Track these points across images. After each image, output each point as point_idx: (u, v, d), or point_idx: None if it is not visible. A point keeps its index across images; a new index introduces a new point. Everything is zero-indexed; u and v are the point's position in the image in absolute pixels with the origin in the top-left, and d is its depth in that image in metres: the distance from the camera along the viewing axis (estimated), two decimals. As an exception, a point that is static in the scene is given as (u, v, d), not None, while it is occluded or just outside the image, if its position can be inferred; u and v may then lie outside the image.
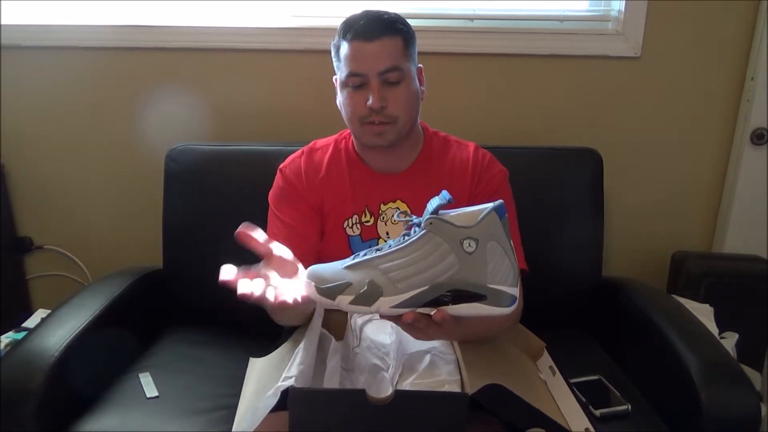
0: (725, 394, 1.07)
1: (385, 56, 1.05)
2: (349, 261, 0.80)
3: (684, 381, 1.10)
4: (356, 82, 1.07)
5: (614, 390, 1.21)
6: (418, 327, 0.80)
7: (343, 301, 0.77)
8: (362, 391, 0.82)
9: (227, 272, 0.77)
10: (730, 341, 1.42)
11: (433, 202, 0.79)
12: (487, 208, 0.77)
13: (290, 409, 0.81)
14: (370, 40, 1.04)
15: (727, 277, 1.54)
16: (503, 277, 0.77)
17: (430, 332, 0.82)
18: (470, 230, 0.76)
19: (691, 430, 1.08)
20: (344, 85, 1.09)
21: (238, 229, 0.82)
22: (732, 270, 1.57)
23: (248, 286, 0.76)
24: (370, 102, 1.05)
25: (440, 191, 0.80)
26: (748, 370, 1.31)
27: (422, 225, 0.78)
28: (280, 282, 0.84)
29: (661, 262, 1.71)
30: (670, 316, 1.27)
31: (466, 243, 0.76)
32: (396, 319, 0.79)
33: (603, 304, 1.49)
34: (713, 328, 1.39)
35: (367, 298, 0.76)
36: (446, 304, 0.77)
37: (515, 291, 0.78)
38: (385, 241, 1.08)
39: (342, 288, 0.77)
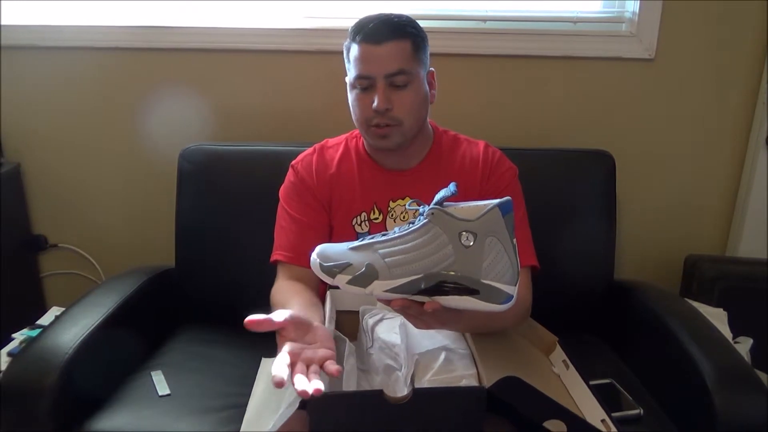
0: (739, 399, 1.06)
1: (392, 60, 1.06)
2: (355, 243, 0.82)
3: (697, 385, 1.09)
4: (364, 84, 1.08)
5: (626, 394, 1.20)
6: (410, 314, 0.82)
7: (341, 280, 0.79)
8: (380, 392, 0.83)
9: (280, 371, 0.75)
10: (744, 346, 1.41)
11: (440, 193, 0.80)
12: (491, 203, 0.78)
13: (310, 415, 0.82)
14: (378, 44, 1.06)
15: (741, 281, 1.53)
16: (499, 273, 0.78)
17: (426, 320, 0.84)
18: (470, 224, 0.78)
19: (704, 435, 1.07)
20: (352, 86, 1.11)
21: (245, 321, 0.80)
22: (746, 274, 1.55)
23: (306, 385, 0.74)
24: (374, 105, 1.06)
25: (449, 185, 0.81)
26: (763, 375, 1.29)
27: (425, 215, 0.79)
28: (313, 354, 0.82)
29: (674, 265, 1.69)
30: (684, 320, 1.27)
31: (464, 236, 0.77)
32: (389, 303, 0.81)
33: (615, 307, 1.48)
34: (727, 333, 1.38)
35: (363, 279, 0.78)
36: (439, 294, 0.78)
37: (511, 289, 0.79)
38: None
39: (342, 267, 0.80)
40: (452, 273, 0.77)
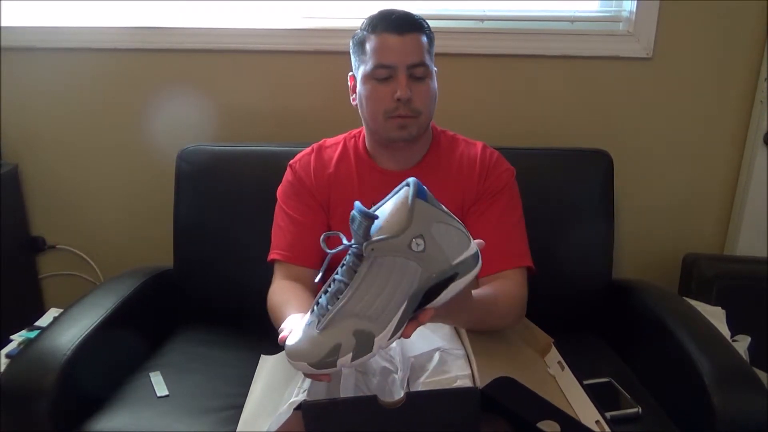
0: (738, 397, 1.06)
1: (413, 50, 1.07)
2: (317, 322, 0.77)
3: (696, 384, 1.09)
4: (383, 74, 1.08)
5: (625, 393, 1.20)
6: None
7: (344, 363, 0.75)
8: (374, 397, 0.83)
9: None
10: (742, 344, 1.41)
11: (359, 224, 0.75)
12: (406, 198, 0.75)
13: (305, 422, 0.82)
14: (400, 34, 1.07)
15: (739, 280, 1.53)
16: (459, 246, 0.78)
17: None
18: (410, 231, 0.74)
19: (703, 433, 1.07)
20: (369, 78, 1.10)
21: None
22: (744, 272, 1.55)
23: None
24: (398, 94, 1.06)
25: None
26: (761, 374, 1.30)
27: (364, 254, 0.75)
28: None
29: (673, 264, 1.70)
30: (682, 319, 1.27)
31: (414, 244, 0.75)
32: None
33: (613, 306, 1.48)
34: (725, 331, 1.38)
35: (364, 347, 0.75)
36: (429, 301, 0.78)
37: (474, 248, 0.80)
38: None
39: (335, 352, 0.75)
40: (428, 279, 0.76)
